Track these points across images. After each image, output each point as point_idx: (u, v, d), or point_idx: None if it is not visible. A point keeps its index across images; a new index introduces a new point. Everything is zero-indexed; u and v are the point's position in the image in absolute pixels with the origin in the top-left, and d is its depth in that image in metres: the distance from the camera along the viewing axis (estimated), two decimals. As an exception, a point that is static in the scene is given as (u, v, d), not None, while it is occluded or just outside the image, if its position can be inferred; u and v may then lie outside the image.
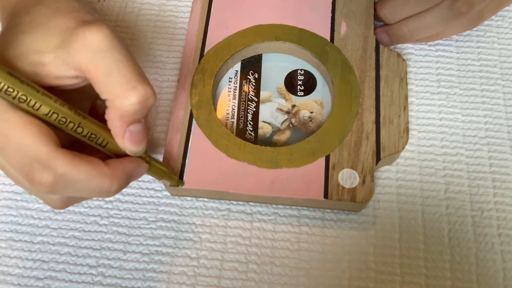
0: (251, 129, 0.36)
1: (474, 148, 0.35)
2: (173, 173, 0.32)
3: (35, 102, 0.23)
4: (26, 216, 0.34)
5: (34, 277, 0.32)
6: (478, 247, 0.32)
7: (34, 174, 0.23)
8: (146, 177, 0.35)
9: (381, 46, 0.37)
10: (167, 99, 0.38)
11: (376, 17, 0.37)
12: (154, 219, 0.33)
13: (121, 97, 0.24)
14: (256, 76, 0.37)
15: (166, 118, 0.37)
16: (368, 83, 0.35)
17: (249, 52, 0.38)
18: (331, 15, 0.38)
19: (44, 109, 0.24)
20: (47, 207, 0.34)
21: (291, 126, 0.36)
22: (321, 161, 0.33)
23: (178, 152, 0.33)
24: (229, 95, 0.37)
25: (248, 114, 0.36)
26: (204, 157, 0.33)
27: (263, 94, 0.37)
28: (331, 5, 0.38)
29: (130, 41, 0.40)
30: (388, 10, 0.36)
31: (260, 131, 0.36)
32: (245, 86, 0.37)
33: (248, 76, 0.37)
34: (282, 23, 0.38)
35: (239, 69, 0.38)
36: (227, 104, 0.36)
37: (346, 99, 0.35)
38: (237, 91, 0.37)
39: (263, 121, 0.36)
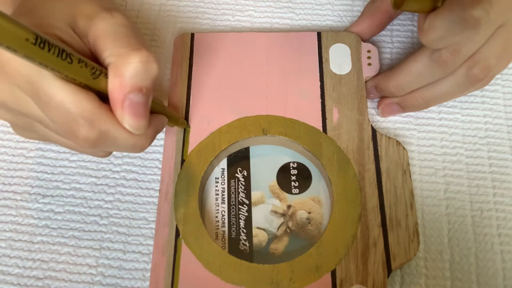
0: (245, 238, 0.32)
1: (473, 148, 0.35)
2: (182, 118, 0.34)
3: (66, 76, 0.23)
4: (26, 216, 0.34)
5: (33, 277, 0.32)
6: (477, 247, 0.32)
7: (79, 130, 0.24)
8: (146, 176, 0.35)
9: (378, 134, 0.34)
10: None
11: (372, 94, 0.36)
12: (153, 219, 0.33)
13: (124, 55, 0.24)
14: (245, 174, 0.34)
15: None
16: (368, 179, 0.32)
17: (235, 148, 0.35)
18: (320, 100, 0.35)
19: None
20: (47, 207, 0.34)
21: (288, 230, 0.33)
22: (327, 277, 0.30)
23: (166, 281, 0.30)
24: (217, 199, 0.33)
25: (240, 220, 0.33)
26: (196, 284, 0.30)
27: (254, 194, 0.34)
28: (319, 90, 0.35)
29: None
30: (395, 85, 0.34)
31: (255, 240, 0.32)
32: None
33: (236, 175, 0.34)
34: (268, 114, 0.35)
35: (225, 167, 0.34)
36: (216, 210, 0.33)
37: (346, 201, 0.32)
38: (226, 193, 0.34)
39: (258, 228, 0.33)
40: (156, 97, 0.30)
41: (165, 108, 0.31)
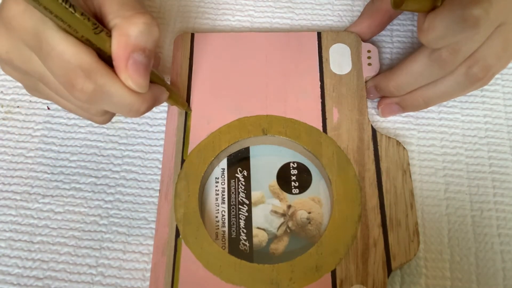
0: (245, 238, 0.32)
1: (473, 148, 0.35)
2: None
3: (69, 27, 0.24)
4: (26, 216, 0.34)
5: (33, 276, 0.32)
6: (477, 247, 0.32)
7: (76, 81, 0.25)
8: (146, 176, 0.35)
9: (378, 134, 0.34)
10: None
11: (372, 94, 0.36)
12: (153, 219, 0.33)
13: (130, 17, 0.25)
14: (245, 174, 0.34)
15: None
16: (368, 179, 0.32)
17: (235, 148, 0.35)
18: (320, 100, 0.35)
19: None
20: (47, 207, 0.34)
21: (288, 231, 0.33)
22: (327, 277, 0.30)
23: (166, 281, 0.30)
24: (217, 199, 0.33)
25: (240, 220, 0.33)
26: (196, 284, 0.30)
27: (254, 194, 0.34)
28: (319, 90, 0.35)
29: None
30: (395, 85, 0.34)
31: (255, 240, 0.32)
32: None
33: (237, 175, 0.34)
34: (268, 114, 0.35)
35: (225, 167, 0.34)
36: (216, 210, 0.33)
37: (347, 201, 0.32)
38: (226, 193, 0.34)
39: (258, 228, 0.33)
40: (158, 71, 0.30)
41: (166, 84, 0.31)
